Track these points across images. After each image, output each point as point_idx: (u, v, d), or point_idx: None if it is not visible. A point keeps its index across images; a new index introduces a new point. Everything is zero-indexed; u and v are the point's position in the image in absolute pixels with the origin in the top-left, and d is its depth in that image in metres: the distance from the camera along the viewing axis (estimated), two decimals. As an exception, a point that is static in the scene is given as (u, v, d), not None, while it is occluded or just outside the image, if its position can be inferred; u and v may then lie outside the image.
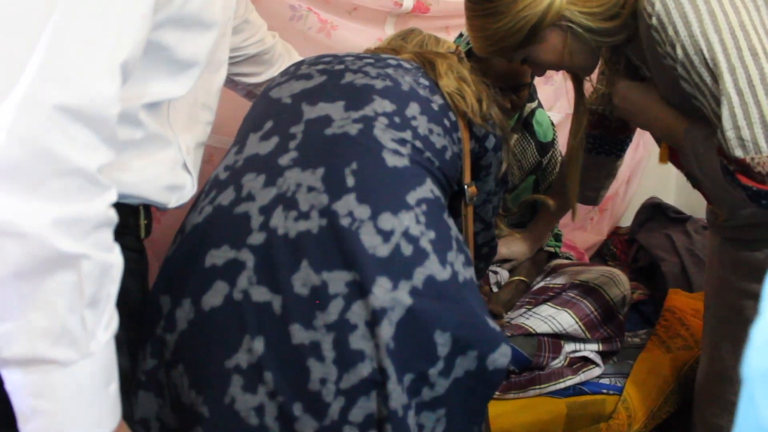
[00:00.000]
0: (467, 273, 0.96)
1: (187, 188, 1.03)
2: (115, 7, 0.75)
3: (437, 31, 1.98)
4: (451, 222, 1.00)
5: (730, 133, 0.98)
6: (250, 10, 1.37)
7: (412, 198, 0.95)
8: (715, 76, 0.99)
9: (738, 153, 0.98)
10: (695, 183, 1.32)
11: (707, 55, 0.99)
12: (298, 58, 1.52)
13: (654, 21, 1.03)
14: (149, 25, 0.79)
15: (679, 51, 1.02)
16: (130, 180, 0.92)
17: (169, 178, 0.99)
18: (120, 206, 0.88)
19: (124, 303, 0.84)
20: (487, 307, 0.97)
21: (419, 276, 0.90)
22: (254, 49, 1.39)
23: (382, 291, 0.87)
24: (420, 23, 1.98)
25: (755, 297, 1.24)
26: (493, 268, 1.81)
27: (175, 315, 0.94)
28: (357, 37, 1.90)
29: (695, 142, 1.11)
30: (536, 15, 1.15)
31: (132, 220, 0.99)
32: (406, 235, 0.91)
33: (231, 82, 1.45)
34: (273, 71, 1.44)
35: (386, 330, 0.86)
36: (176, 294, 0.95)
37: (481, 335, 0.92)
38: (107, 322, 0.78)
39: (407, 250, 0.91)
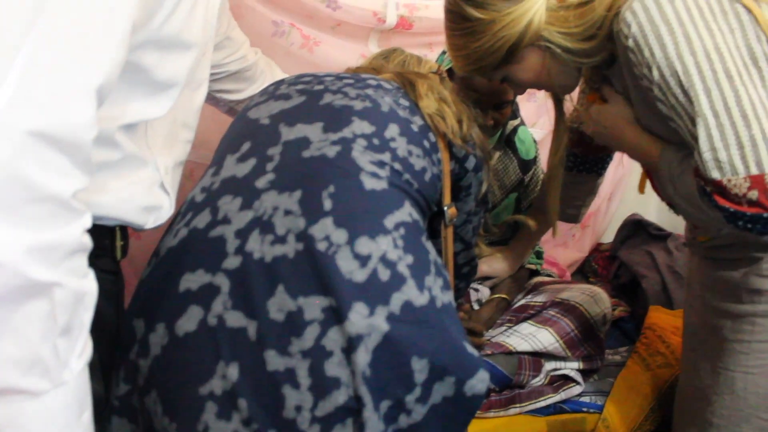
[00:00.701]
0: (445, 297, 0.95)
1: (165, 209, 1.02)
2: (90, 31, 0.74)
3: (421, 48, 2.00)
4: (429, 245, 1.00)
5: (706, 155, 0.99)
6: (232, 27, 1.36)
7: (390, 222, 0.95)
8: (691, 98, 1.00)
9: (715, 174, 0.99)
10: (675, 209, 1.33)
11: (683, 78, 1.00)
12: (280, 75, 1.52)
13: (630, 42, 1.04)
14: (126, 49, 0.78)
15: (655, 73, 1.02)
16: (106, 201, 0.91)
17: (146, 199, 0.98)
18: (96, 227, 0.86)
19: (98, 326, 0.82)
20: (465, 331, 0.96)
21: (396, 301, 0.89)
22: (236, 66, 1.39)
23: (358, 317, 0.86)
24: (403, 39, 1.99)
25: (732, 316, 1.25)
26: (474, 285, 1.81)
27: (148, 340, 0.93)
28: (340, 53, 1.90)
29: (671, 163, 1.11)
30: (515, 35, 1.16)
31: (108, 242, 0.97)
32: (383, 259, 0.91)
33: (212, 99, 1.45)
34: (255, 88, 1.44)
35: (362, 357, 0.85)
36: (150, 318, 0.94)
37: (458, 361, 0.91)
38: (81, 349, 0.77)
39: (384, 275, 0.90)
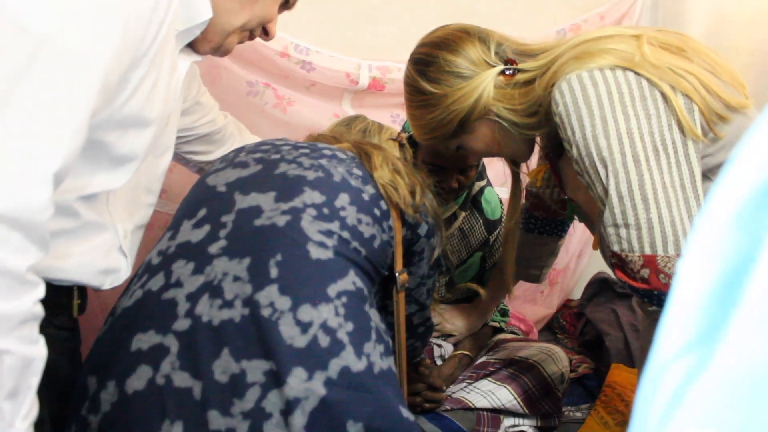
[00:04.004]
0: (384, 363, 1.00)
1: (122, 271, 1.07)
2: (50, 119, 0.79)
3: (393, 108, 2.07)
4: (372, 312, 1.04)
5: (610, 230, 1.08)
6: (202, 93, 1.42)
7: (332, 290, 0.99)
8: (601, 178, 1.08)
9: (615, 248, 1.07)
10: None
11: (596, 159, 1.08)
12: (249, 137, 1.57)
13: (557, 119, 1.12)
14: (84, 135, 0.83)
15: (574, 150, 1.10)
16: (64, 266, 0.96)
17: (104, 263, 1.02)
18: (53, 287, 0.91)
19: (51, 381, 0.86)
20: (403, 397, 1.00)
21: (335, 367, 0.93)
22: (205, 129, 1.44)
23: (296, 381, 0.91)
24: (376, 100, 2.06)
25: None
26: (437, 341, 1.85)
27: (99, 396, 0.97)
28: (313, 112, 1.97)
29: (601, 227, 1.18)
30: (465, 109, 1.23)
31: (65, 300, 1.02)
32: (324, 326, 0.95)
33: (183, 160, 1.49)
34: (224, 149, 1.49)
35: (299, 420, 0.89)
36: (102, 375, 0.98)
37: (394, 425, 0.95)
38: (26, 412, 0.80)
39: (324, 341, 0.94)
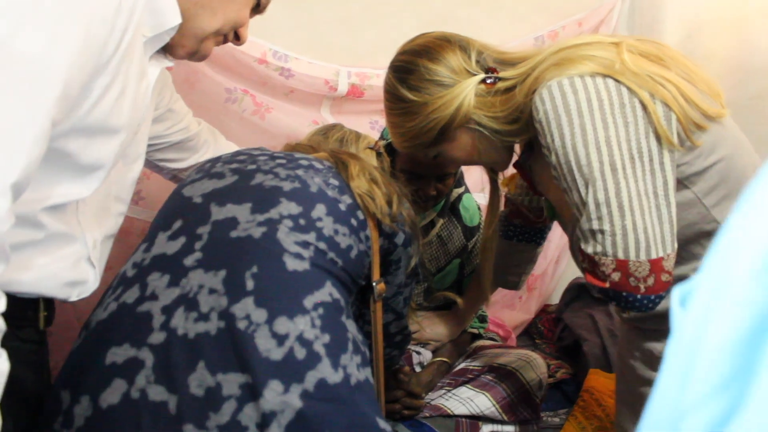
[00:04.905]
0: (361, 375, 0.99)
1: (90, 282, 1.05)
2: (6, 129, 0.77)
3: (372, 114, 2.07)
4: (349, 323, 1.04)
5: (586, 234, 1.10)
6: (174, 100, 1.40)
7: (309, 302, 0.99)
8: (578, 185, 1.09)
9: (589, 249, 1.09)
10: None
11: (574, 166, 1.09)
12: (224, 143, 1.56)
13: (537, 125, 1.13)
14: (44, 145, 0.81)
15: (553, 157, 1.12)
16: (29, 279, 0.94)
17: (71, 274, 1.00)
18: (18, 300, 0.89)
19: (18, 394, 0.84)
20: (380, 408, 1.00)
21: (311, 379, 0.93)
22: (178, 137, 1.42)
23: (272, 394, 0.90)
24: (355, 106, 2.06)
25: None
26: (416, 348, 1.85)
27: (73, 411, 0.96)
28: (292, 119, 1.97)
29: (573, 232, 1.19)
30: (445, 117, 1.23)
31: (31, 313, 1.00)
32: (300, 339, 0.95)
33: (156, 167, 1.48)
34: (198, 157, 1.48)
35: None
36: (75, 390, 0.97)
37: None
38: None
39: (300, 353, 0.94)
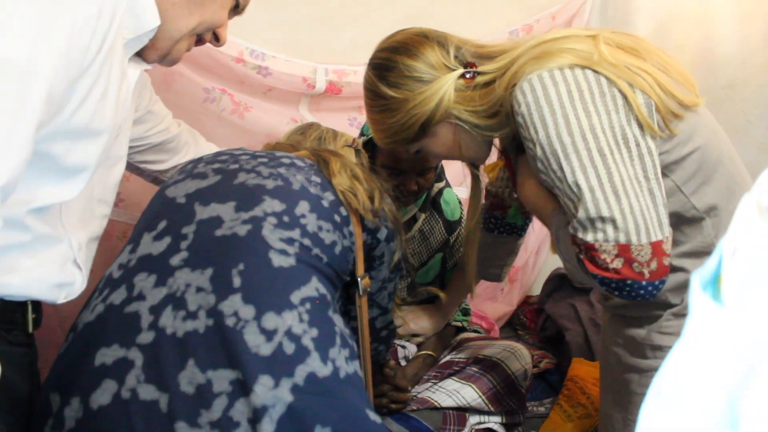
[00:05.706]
0: (350, 368, 1.00)
1: (77, 284, 1.05)
2: None
3: (350, 111, 2.08)
4: (336, 318, 1.05)
5: (585, 223, 1.08)
6: (154, 102, 1.40)
7: (296, 297, 1.00)
8: (566, 175, 1.09)
9: (588, 238, 1.08)
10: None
11: (561, 156, 1.09)
12: (204, 145, 1.56)
13: (519, 119, 1.14)
14: (30, 148, 0.81)
15: (538, 149, 1.12)
16: (17, 281, 0.94)
17: (58, 276, 1.00)
18: (6, 303, 0.89)
19: (8, 396, 0.84)
20: (370, 400, 1.01)
21: (300, 373, 0.94)
22: (158, 138, 1.42)
23: (263, 389, 0.91)
24: (333, 103, 2.07)
25: (639, 371, 1.32)
26: (401, 342, 1.86)
27: (63, 413, 0.96)
28: (271, 117, 1.97)
29: (558, 226, 1.20)
30: (426, 113, 1.24)
31: (19, 316, 1.00)
32: (288, 333, 0.96)
33: (137, 170, 1.47)
34: (178, 158, 1.47)
35: (267, 427, 0.89)
36: (65, 392, 0.97)
37: (361, 429, 0.96)
38: None
39: (289, 348, 0.95)
